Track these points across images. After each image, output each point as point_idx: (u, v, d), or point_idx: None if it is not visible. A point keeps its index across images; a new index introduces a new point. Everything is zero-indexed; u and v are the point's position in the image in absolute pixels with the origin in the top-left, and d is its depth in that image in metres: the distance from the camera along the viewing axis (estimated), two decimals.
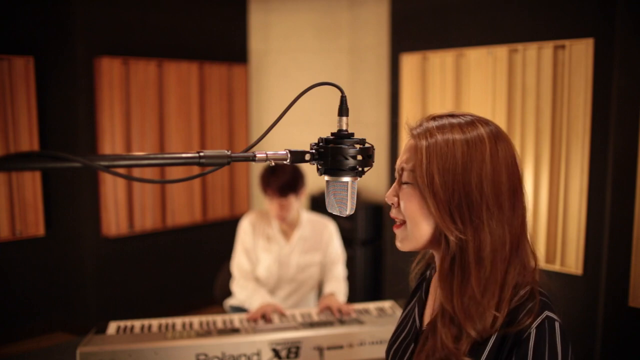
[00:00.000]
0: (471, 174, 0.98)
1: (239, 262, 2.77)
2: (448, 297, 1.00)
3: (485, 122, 1.03)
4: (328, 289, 2.71)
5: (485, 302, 0.97)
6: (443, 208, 0.99)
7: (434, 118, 1.06)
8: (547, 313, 0.98)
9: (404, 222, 1.07)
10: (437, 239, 1.04)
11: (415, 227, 1.04)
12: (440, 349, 1.00)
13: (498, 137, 1.01)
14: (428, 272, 1.22)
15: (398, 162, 1.08)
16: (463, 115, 1.05)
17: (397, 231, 1.09)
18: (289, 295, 2.82)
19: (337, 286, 2.73)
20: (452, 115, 1.05)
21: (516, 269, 1.01)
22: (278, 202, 2.64)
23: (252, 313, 2.45)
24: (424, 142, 1.01)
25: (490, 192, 0.98)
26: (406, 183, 1.05)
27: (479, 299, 0.97)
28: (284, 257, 2.77)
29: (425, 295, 1.19)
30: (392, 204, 1.08)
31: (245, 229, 2.78)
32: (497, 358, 0.98)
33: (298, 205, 2.72)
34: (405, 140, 1.10)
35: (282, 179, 2.60)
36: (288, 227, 2.77)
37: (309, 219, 2.82)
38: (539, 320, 0.97)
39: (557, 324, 0.98)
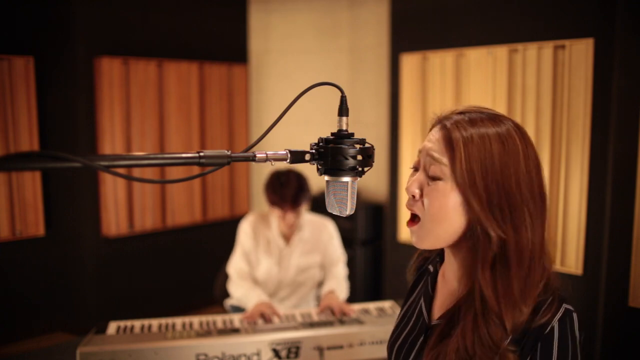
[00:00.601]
0: (509, 173, 0.97)
1: (236, 264, 2.77)
2: (492, 296, 0.98)
3: (515, 125, 1.03)
4: (327, 287, 2.71)
5: (524, 301, 0.98)
6: (486, 208, 0.97)
7: (460, 112, 1.04)
8: (565, 306, 0.99)
9: (418, 219, 1.04)
10: (461, 237, 1.02)
11: (439, 225, 1.01)
12: (481, 345, 0.97)
13: (527, 140, 1.01)
14: (431, 267, 1.20)
15: (421, 149, 1.05)
16: (492, 112, 1.04)
17: (414, 228, 1.05)
18: (288, 297, 2.82)
19: (337, 284, 2.73)
20: (482, 112, 1.03)
21: (543, 268, 1.02)
22: (293, 213, 2.64)
23: (249, 313, 2.44)
24: (458, 135, 0.98)
25: (527, 191, 0.98)
26: (438, 179, 1.00)
27: (518, 298, 0.97)
28: (284, 259, 2.77)
29: (432, 290, 1.17)
30: (414, 196, 1.04)
31: (245, 231, 2.78)
32: (522, 349, 0.97)
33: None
34: (424, 131, 1.08)
35: (293, 189, 2.60)
36: (288, 232, 2.77)
37: (308, 220, 2.82)
38: (559, 313, 0.98)
39: (574, 315, 0.99)
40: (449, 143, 1.00)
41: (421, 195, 1.03)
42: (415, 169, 1.07)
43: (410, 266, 1.27)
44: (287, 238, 2.79)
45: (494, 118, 1.02)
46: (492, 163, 0.97)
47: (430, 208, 1.01)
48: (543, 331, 0.97)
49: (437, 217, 1.01)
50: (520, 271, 0.98)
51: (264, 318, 2.43)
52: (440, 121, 1.05)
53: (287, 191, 2.59)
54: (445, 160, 1.00)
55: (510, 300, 0.97)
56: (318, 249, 2.82)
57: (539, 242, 1.01)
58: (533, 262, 0.99)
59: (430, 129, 1.08)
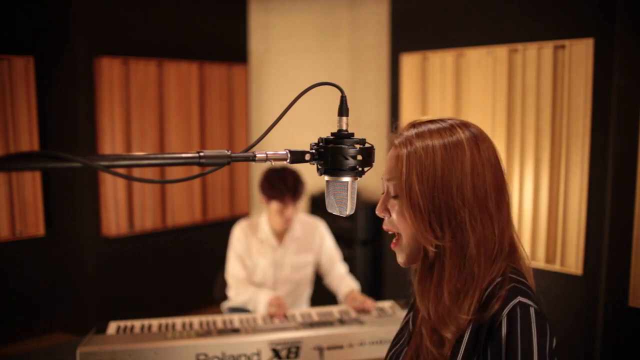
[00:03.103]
0: (451, 179, 0.98)
1: (233, 270, 2.79)
2: (424, 303, 1.01)
3: (465, 125, 1.03)
4: (345, 289, 2.73)
5: (460, 304, 0.97)
6: (421, 217, 0.99)
7: (414, 125, 1.05)
8: (519, 299, 0.95)
9: (399, 237, 1.07)
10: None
11: (410, 242, 1.04)
12: (425, 354, 1.00)
13: (479, 138, 1.01)
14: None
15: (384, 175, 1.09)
16: (443, 120, 1.04)
17: (396, 249, 1.09)
18: (285, 296, 2.83)
19: (351, 283, 2.77)
20: (432, 121, 1.04)
21: (500, 265, 1.01)
22: (293, 206, 2.67)
23: (271, 309, 2.46)
24: (404, 151, 1.01)
25: (471, 195, 0.98)
26: (395, 197, 1.05)
27: (450, 304, 0.98)
28: (278, 258, 2.79)
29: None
30: (384, 217, 1.08)
31: (238, 237, 2.80)
32: (474, 348, 0.96)
33: None
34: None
35: (292, 182, 2.64)
36: (280, 230, 2.78)
37: (299, 220, 2.85)
38: (509, 306, 0.94)
39: (531, 309, 0.95)
40: (396, 160, 1.03)
41: (390, 215, 1.07)
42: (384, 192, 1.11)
43: (412, 269, 1.29)
44: (279, 237, 2.81)
45: (447, 128, 1.02)
46: (434, 171, 0.98)
47: (397, 224, 1.05)
48: (493, 326, 0.94)
49: (407, 234, 1.05)
50: (452, 275, 0.98)
51: (284, 310, 2.46)
52: (392, 140, 1.08)
53: (287, 184, 2.63)
54: (392, 176, 1.04)
55: (444, 308, 0.98)
56: (311, 248, 2.85)
57: (498, 239, 1.00)
58: (480, 262, 0.99)
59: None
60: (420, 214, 0.99)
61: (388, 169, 1.06)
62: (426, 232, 0.98)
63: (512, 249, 1.04)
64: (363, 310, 2.51)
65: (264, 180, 2.70)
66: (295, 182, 2.66)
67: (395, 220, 1.05)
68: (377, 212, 1.09)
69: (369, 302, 2.52)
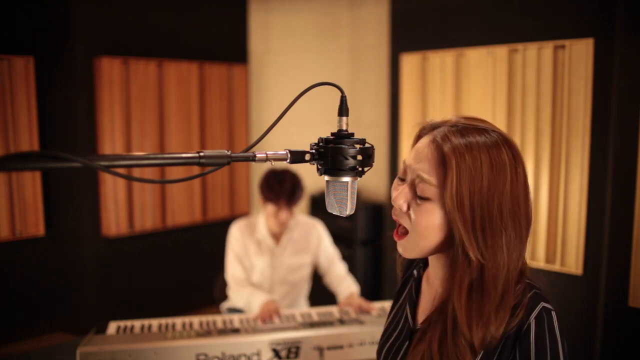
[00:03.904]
0: (493, 198, 0.97)
1: (232, 271, 2.78)
2: (465, 322, 0.98)
3: (508, 144, 1.01)
4: (345, 291, 2.72)
5: (495, 324, 0.97)
6: (470, 228, 0.97)
7: (458, 126, 1.01)
8: (542, 304, 0.99)
9: (406, 232, 1.05)
10: (444, 248, 1.04)
11: (424, 240, 1.03)
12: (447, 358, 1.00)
13: (517, 160, 1.01)
14: (415, 272, 1.21)
15: (410, 163, 1.04)
16: (486, 130, 1.01)
17: (401, 242, 1.06)
18: (282, 297, 2.83)
19: (351, 285, 2.75)
20: (477, 129, 1.00)
21: (520, 281, 1.02)
22: (287, 210, 2.66)
23: (261, 313, 2.44)
24: (452, 161, 0.97)
25: (508, 215, 0.98)
26: (426, 199, 1.00)
27: (490, 322, 0.97)
28: (276, 259, 2.79)
29: (416, 294, 1.18)
30: (401, 209, 1.04)
31: (235, 237, 2.80)
32: (500, 355, 0.98)
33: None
34: (408, 138, 1.09)
35: (289, 187, 2.63)
36: (279, 230, 2.78)
37: (298, 221, 2.85)
38: (536, 311, 0.98)
39: (553, 313, 1.00)
40: (441, 163, 0.99)
41: (408, 208, 1.03)
42: (401, 179, 1.07)
43: (398, 262, 1.28)
44: (276, 238, 2.81)
45: (495, 145, 0.99)
46: (481, 186, 0.96)
47: (417, 225, 1.02)
48: (520, 330, 0.97)
49: (424, 234, 1.02)
50: (495, 297, 0.98)
51: (277, 314, 2.44)
52: (430, 131, 1.04)
53: (283, 188, 2.62)
54: (434, 181, 0.99)
55: (481, 325, 0.97)
56: (308, 249, 2.85)
57: (515, 266, 1.00)
58: (508, 286, 0.99)
59: (417, 138, 1.08)
60: (469, 225, 0.97)
61: (424, 170, 1.01)
62: (474, 243, 0.98)
63: (523, 274, 1.06)
64: (362, 311, 2.51)
65: (263, 180, 2.70)
66: (293, 187, 2.64)
67: (417, 221, 1.02)
68: (395, 201, 1.05)
69: (365, 306, 2.51)
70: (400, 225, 1.06)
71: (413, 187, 1.03)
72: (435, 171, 0.99)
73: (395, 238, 1.08)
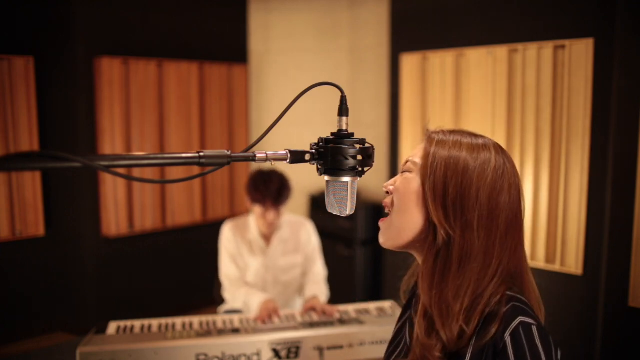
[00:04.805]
0: (472, 177, 1.01)
1: (227, 271, 2.78)
2: (426, 291, 1.02)
3: (499, 148, 1.08)
4: (310, 292, 2.73)
5: (454, 306, 0.98)
6: (439, 200, 1.02)
7: (455, 131, 1.10)
8: (520, 318, 0.95)
9: (391, 215, 1.10)
10: (421, 237, 1.05)
11: (401, 217, 1.06)
12: (416, 343, 1.01)
13: (507, 161, 1.06)
14: (419, 291, 1.22)
15: (408, 157, 1.13)
16: (480, 136, 1.09)
17: (382, 223, 1.12)
18: (276, 298, 2.82)
19: (319, 289, 2.76)
20: (470, 133, 1.09)
21: (500, 284, 1.00)
22: (274, 211, 2.65)
23: (260, 312, 2.44)
24: (435, 137, 1.07)
25: (485, 201, 1.01)
26: (408, 171, 1.09)
27: (450, 301, 0.98)
28: (267, 260, 2.79)
29: (415, 313, 1.18)
30: (387, 191, 1.11)
31: (227, 237, 2.79)
32: None
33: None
34: (409, 140, 1.15)
35: (275, 187, 2.61)
36: (268, 231, 2.78)
37: (287, 221, 2.84)
38: (512, 327, 0.94)
39: (534, 328, 0.95)
40: (428, 147, 1.07)
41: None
42: None
43: (403, 284, 1.29)
44: (267, 238, 2.80)
45: (484, 144, 1.07)
46: (457, 161, 1.02)
47: (397, 192, 1.08)
48: (497, 348, 0.94)
49: (400, 207, 1.07)
50: (458, 272, 1.00)
51: (276, 314, 2.44)
52: (428, 133, 1.12)
53: (269, 189, 2.61)
54: (418, 160, 1.07)
55: (444, 301, 0.99)
56: (299, 249, 2.85)
57: (498, 260, 1.01)
58: (473, 269, 0.99)
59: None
60: (438, 197, 1.02)
61: (414, 153, 1.10)
62: (441, 215, 1.01)
63: (520, 278, 1.06)
64: (326, 314, 2.48)
65: (249, 181, 2.69)
66: (280, 188, 2.62)
67: (397, 188, 1.08)
68: (384, 186, 1.12)
69: (328, 310, 2.49)
70: (385, 214, 1.12)
71: (402, 169, 1.11)
72: (422, 154, 1.08)
73: (380, 223, 1.13)
